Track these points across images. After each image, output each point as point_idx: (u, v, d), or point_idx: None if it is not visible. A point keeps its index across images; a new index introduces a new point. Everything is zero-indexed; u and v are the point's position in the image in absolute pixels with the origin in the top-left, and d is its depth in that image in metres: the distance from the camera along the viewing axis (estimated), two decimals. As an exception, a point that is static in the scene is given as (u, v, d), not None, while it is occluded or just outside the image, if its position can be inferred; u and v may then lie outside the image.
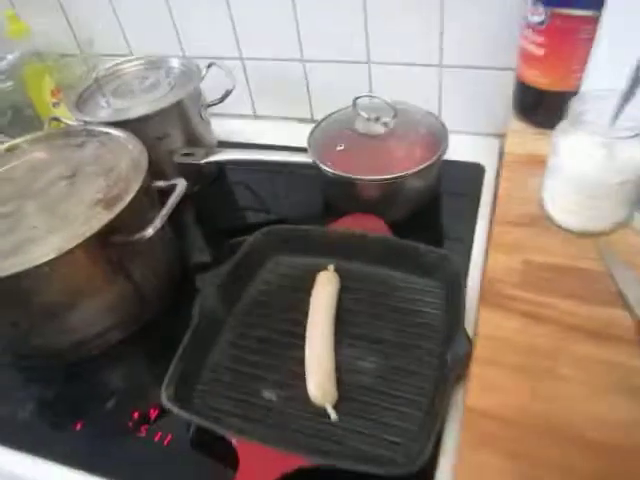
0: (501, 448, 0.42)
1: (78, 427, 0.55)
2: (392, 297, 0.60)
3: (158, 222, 0.55)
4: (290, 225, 0.67)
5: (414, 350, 0.55)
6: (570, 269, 0.53)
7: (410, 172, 0.66)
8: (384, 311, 0.59)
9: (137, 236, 0.54)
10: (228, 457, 0.47)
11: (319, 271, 0.63)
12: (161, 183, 0.61)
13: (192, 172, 0.75)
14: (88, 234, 0.52)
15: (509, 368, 0.46)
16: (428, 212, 0.72)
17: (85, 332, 0.60)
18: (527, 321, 0.50)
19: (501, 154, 0.72)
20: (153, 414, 0.55)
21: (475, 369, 0.47)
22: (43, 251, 0.51)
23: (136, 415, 0.55)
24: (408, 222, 0.69)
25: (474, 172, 0.76)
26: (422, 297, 0.60)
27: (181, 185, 0.59)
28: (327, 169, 0.68)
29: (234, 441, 0.47)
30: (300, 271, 0.65)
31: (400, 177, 0.66)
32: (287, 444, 0.47)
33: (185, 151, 0.77)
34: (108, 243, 0.54)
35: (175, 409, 0.50)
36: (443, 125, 0.71)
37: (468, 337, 0.51)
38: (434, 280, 0.60)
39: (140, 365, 0.62)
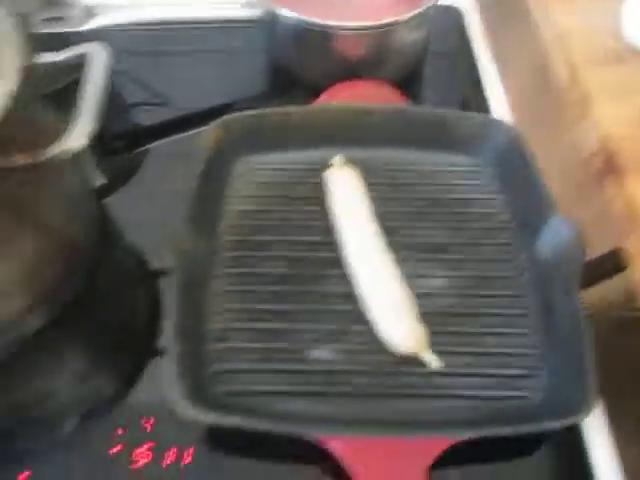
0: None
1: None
2: (427, 187, 0.45)
3: (87, 125, 0.31)
4: (257, 110, 0.46)
5: (487, 250, 0.42)
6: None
7: (405, 17, 0.48)
8: (427, 208, 0.44)
9: (55, 151, 0.30)
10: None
11: (315, 170, 0.45)
12: (60, 56, 0.35)
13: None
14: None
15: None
16: (418, 77, 0.55)
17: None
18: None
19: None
20: (147, 425, 0.35)
21: None
22: None
23: (118, 433, 0.35)
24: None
25: (452, 19, 0.60)
26: (466, 181, 0.45)
27: (99, 53, 0.34)
28: (291, 15, 0.47)
29: (334, 444, 0.30)
30: (288, 174, 0.46)
31: (392, 24, 0.48)
32: (401, 426, 0.32)
33: (47, 15, 0.49)
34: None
35: (208, 416, 0.31)
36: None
37: (566, 220, 0.39)
38: (474, 156, 0.46)
39: (90, 357, 0.41)
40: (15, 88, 0.29)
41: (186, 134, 0.51)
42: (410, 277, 0.39)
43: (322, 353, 0.37)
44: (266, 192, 0.45)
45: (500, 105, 0.52)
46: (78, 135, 0.30)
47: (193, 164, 0.42)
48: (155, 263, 0.43)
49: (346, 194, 0.41)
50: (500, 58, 0.56)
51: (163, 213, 0.46)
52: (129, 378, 0.38)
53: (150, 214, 0.47)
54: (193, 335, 0.36)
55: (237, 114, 0.45)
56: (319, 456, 0.32)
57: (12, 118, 0.28)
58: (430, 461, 0.29)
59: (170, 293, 0.36)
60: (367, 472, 0.29)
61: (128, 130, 0.53)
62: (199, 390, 0.34)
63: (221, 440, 0.35)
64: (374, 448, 0.30)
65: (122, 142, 0.52)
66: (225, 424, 0.31)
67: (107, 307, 0.42)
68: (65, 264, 0.39)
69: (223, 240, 0.42)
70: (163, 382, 0.32)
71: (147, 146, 0.51)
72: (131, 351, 0.40)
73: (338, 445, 0.30)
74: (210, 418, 0.31)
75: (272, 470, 0.34)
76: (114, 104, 0.53)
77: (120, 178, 0.49)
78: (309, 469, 0.34)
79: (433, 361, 0.35)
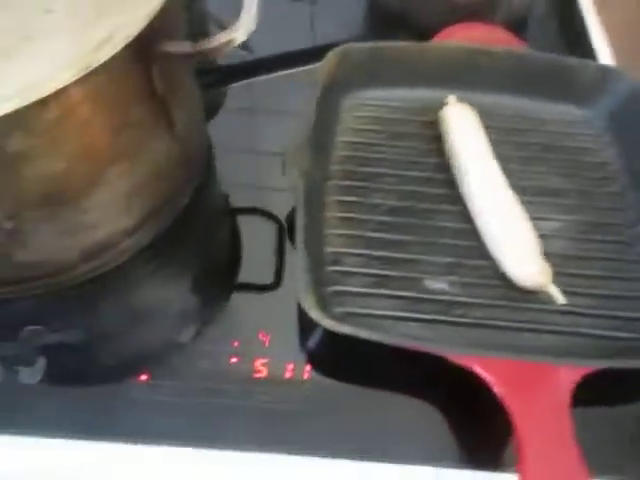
0: None
1: (143, 379, 0.34)
2: (542, 134, 0.44)
3: (250, 20, 0.30)
4: (373, 43, 0.45)
5: (599, 197, 0.41)
6: None
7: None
8: (540, 153, 0.43)
9: (216, 43, 0.30)
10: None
11: (429, 107, 0.44)
12: None
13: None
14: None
15: None
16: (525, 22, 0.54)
17: (110, 228, 0.36)
18: None
19: None
20: (265, 339, 0.36)
21: None
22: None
23: (236, 344, 0.35)
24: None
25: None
26: (581, 130, 0.45)
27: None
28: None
29: (478, 366, 0.30)
30: (401, 109, 0.45)
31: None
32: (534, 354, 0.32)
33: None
34: (157, 57, 0.30)
35: (343, 327, 0.31)
36: None
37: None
38: (590, 106, 0.45)
39: (195, 270, 0.41)
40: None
41: (286, 72, 0.51)
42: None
43: (438, 284, 0.37)
44: (376, 127, 0.44)
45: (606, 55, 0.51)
46: (241, 29, 0.30)
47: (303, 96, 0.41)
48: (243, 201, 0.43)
49: (466, 131, 0.41)
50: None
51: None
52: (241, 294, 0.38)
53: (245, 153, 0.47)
54: (313, 254, 0.36)
55: (352, 45, 0.44)
56: (438, 381, 0.33)
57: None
58: (571, 389, 0.29)
59: (297, 208, 0.36)
60: (515, 395, 0.29)
61: (239, 64, 0.52)
62: (322, 306, 0.34)
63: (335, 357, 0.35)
64: (518, 371, 0.30)
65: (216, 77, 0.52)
66: (363, 337, 0.31)
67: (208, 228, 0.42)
68: (184, 175, 0.39)
69: (334, 169, 0.42)
70: (297, 292, 0.32)
71: (255, 79, 0.50)
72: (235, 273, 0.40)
73: (483, 367, 0.30)
74: (347, 330, 0.31)
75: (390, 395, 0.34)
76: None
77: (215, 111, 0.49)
78: (426, 396, 0.34)
79: (559, 296, 0.35)
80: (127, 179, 0.35)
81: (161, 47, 0.31)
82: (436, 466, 0.30)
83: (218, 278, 0.40)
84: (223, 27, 0.32)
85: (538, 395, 0.29)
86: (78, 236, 0.35)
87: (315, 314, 0.31)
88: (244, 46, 0.52)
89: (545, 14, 0.55)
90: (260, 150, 0.48)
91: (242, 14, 0.30)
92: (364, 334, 0.31)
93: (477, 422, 0.33)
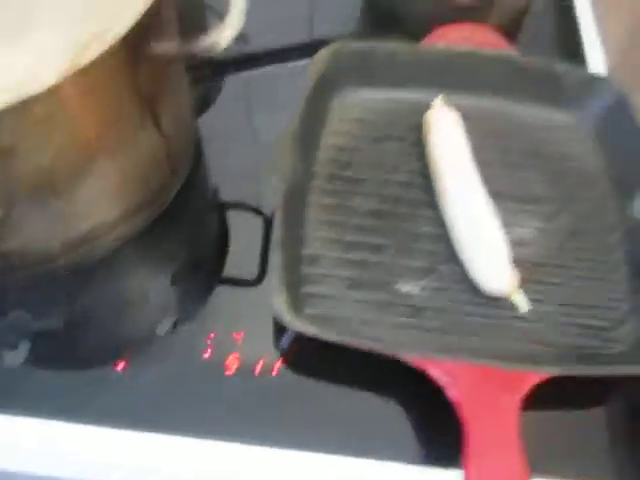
0: None
1: (119, 368, 0.36)
2: (526, 138, 0.45)
3: (237, 19, 0.31)
4: (367, 42, 0.45)
5: (579, 205, 0.42)
6: None
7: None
8: (522, 158, 0.44)
9: (204, 44, 0.31)
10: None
11: (416, 109, 0.44)
12: None
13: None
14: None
15: None
16: (519, 27, 0.54)
17: (96, 220, 0.38)
18: None
19: None
20: (237, 338, 0.37)
21: None
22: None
23: (211, 338, 0.37)
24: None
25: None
26: (565, 135, 0.45)
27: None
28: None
29: (434, 369, 0.31)
30: (388, 111, 0.46)
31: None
32: (493, 358, 0.33)
33: None
34: (146, 55, 0.31)
35: (310, 329, 0.32)
36: None
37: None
38: (575, 112, 0.45)
39: (177, 264, 0.42)
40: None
41: (277, 67, 0.51)
42: (502, 225, 0.39)
43: (410, 288, 0.38)
44: (362, 129, 0.45)
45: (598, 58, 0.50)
46: (229, 28, 0.30)
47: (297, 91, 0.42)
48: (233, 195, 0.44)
49: (447, 136, 0.41)
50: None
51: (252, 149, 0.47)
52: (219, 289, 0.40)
53: (237, 148, 0.48)
54: (290, 254, 0.37)
55: (346, 43, 0.45)
56: (400, 382, 0.34)
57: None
58: (522, 394, 0.30)
59: (276, 207, 0.37)
60: (466, 398, 0.30)
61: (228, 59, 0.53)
62: (295, 307, 0.35)
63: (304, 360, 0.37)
64: (471, 375, 0.31)
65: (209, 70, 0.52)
66: (327, 339, 0.32)
67: (194, 224, 0.43)
68: (169, 172, 0.41)
69: (319, 170, 0.42)
70: (271, 293, 0.33)
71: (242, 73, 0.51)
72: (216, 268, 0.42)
73: (438, 370, 0.31)
74: (312, 331, 0.32)
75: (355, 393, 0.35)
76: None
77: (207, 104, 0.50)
78: (391, 393, 0.35)
79: (523, 304, 0.35)
80: (113, 173, 0.37)
81: (149, 47, 0.32)
82: (387, 461, 0.32)
83: (201, 272, 0.41)
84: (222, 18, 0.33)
85: (488, 399, 0.30)
86: (64, 227, 0.37)
87: (283, 315, 0.32)
88: (240, 37, 0.53)
89: (541, 16, 0.55)
90: (252, 145, 0.48)
91: (229, 12, 0.30)
92: (327, 336, 0.32)
93: (436, 420, 0.34)
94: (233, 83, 0.52)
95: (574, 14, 0.54)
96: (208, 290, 0.40)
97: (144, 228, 0.40)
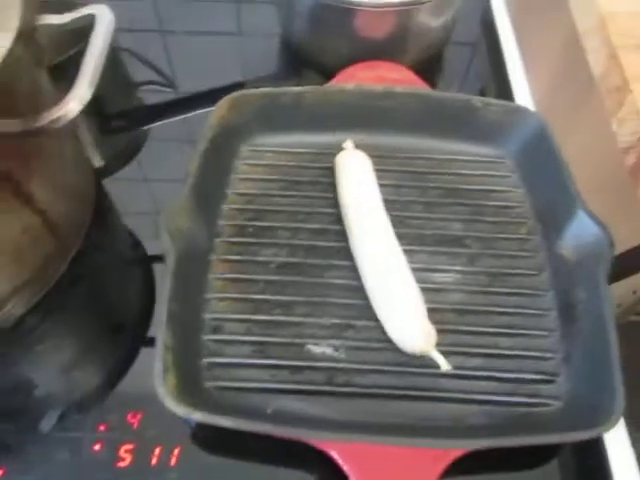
0: None
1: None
2: (443, 177, 0.42)
3: (84, 89, 0.29)
4: (269, 88, 0.43)
5: (504, 244, 0.39)
6: None
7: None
8: (442, 197, 0.41)
9: (49, 118, 0.28)
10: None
11: (325, 154, 0.42)
12: (65, 19, 0.33)
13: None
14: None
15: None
16: (438, 63, 0.52)
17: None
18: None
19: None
20: (134, 421, 0.33)
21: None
22: None
23: (102, 429, 0.33)
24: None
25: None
26: (486, 171, 0.42)
27: (104, 16, 0.32)
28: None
29: (334, 450, 0.27)
30: (297, 157, 0.43)
31: (416, 3, 0.45)
32: (408, 432, 0.30)
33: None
34: None
35: (196, 414, 0.29)
36: None
37: (592, 215, 0.36)
38: (495, 146, 0.43)
39: (74, 344, 0.38)
40: (10, 44, 0.27)
41: (192, 114, 0.49)
42: (421, 271, 0.37)
43: (323, 349, 0.34)
44: (271, 175, 0.42)
45: (524, 95, 0.49)
46: (74, 101, 0.28)
47: (198, 145, 0.39)
48: (151, 248, 0.41)
49: (356, 180, 0.39)
50: (527, 47, 0.53)
51: (163, 196, 0.44)
52: (116, 370, 0.36)
53: (149, 197, 0.46)
54: (186, 324, 0.33)
55: (247, 91, 0.42)
56: (315, 458, 0.30)
57: (11, 80, 0.26)
58: (439, 471, 0.27)
59: (163, 277, 0.33)
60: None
61: (131, 109, 0.51)
62: (192, 383, 0.31)
63: (211, 437, 0.33)
64: (378, 455, 0.27)
65: (123, 121, 0.50)
66: (215, 424, 0.28)
67: (95, 293, 0.40)
68: (54, 244, 0.37)
69: (223, 224, 0.39)
70: (153, 375, 0.29)
71: (150, 126, 0.48)
72: (121, 340, 0.38)
73: (339, 451, 0.27)
74: (198, 416, 0.28)
75: (264, 472, 0.32)
76: (118, 82, 0.52)
77: (120, 159, 0.47)
78: (303, 472, 0.31)
79: (443, 363, 0.32)
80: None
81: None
82: None
83: (95, 352, 0.38)
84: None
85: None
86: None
87: (166, 401, 0.28)
88: (168, 84, 0.51)
89: (463, 54, 0.54)
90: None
91: (76, 84, 0.28)
92: (218, 421, 0.28)
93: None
94: (160, 129, 0.49)
95: (500, 51, 0.52)
96: (102, 370, 0.36)
97: (32, 305, 0.37)
